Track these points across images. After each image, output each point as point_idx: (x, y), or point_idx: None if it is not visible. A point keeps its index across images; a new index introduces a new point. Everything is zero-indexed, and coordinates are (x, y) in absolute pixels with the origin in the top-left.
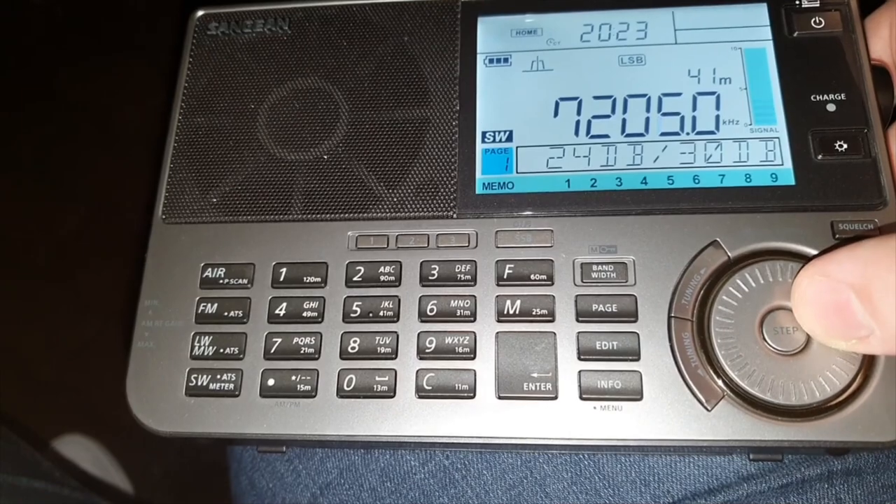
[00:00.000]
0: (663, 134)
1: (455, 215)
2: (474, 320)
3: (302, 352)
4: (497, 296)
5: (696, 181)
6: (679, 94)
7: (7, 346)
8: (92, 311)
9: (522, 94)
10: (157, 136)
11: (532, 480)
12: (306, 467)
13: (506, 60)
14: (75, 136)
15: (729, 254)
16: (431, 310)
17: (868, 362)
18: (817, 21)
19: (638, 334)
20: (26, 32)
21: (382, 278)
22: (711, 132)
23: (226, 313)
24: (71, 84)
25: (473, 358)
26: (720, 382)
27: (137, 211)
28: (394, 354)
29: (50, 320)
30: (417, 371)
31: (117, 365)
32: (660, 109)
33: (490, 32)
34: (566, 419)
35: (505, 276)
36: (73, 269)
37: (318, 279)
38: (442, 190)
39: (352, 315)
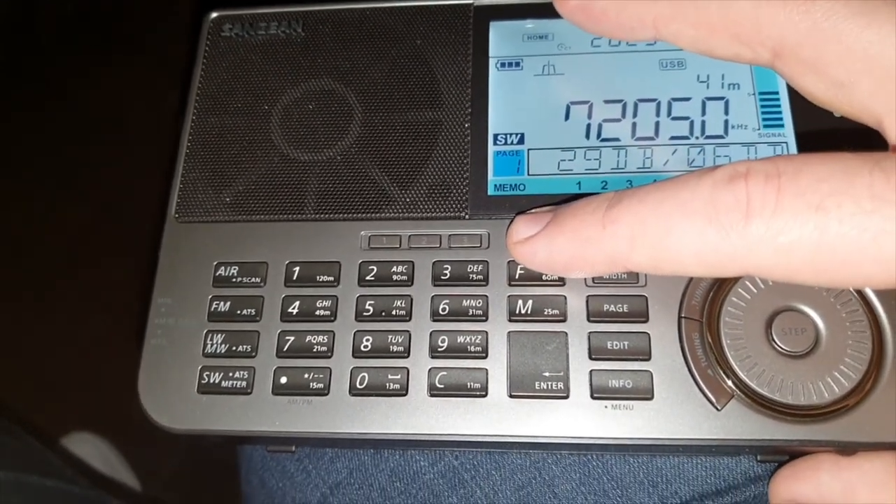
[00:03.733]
0: (673, 138)
1: (467, 216)
2: (486, 320)
3: (315, 350)
4: (509, 296)
5: None
6: (688, 99)
7: (16, 343)
8: (101, 309)
9: (534, 97)
10: (166, 134)
11: (541, 481)
12: (316, 467)
13: (517, 64)
14: (84, 135)
15: None
16: (444, 309)
17: (877, 363)
18: None
19: (649, 334)
20: (37, 31)
21: (395, 278)
22: (720, 136)
23: (238, 311)
24: (80, 82)
25: (485, 357)
26: (730, 382)
27: (146, 209)
28: (406, 353)
29: (59, 317)
30: (430, 369)
31: (126, 362)
32: (669, 114)
33: (502, 37)
34: (578, 418)
35: (517, 277)
36: (82, 266)
37: (331, 278)
38: (454, 191)
39: (364, 314)
